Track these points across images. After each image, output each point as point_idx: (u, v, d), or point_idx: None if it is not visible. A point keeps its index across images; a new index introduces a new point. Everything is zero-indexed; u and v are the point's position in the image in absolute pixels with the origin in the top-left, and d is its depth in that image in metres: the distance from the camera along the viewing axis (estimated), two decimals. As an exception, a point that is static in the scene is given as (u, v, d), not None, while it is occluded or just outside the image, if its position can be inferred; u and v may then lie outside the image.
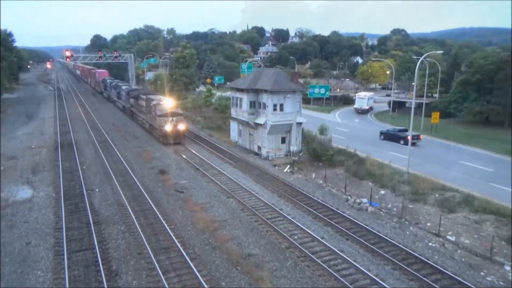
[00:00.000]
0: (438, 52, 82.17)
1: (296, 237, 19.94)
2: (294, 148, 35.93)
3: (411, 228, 21.94)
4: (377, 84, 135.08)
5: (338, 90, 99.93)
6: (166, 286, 15.42)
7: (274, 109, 34.46)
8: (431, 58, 74.01)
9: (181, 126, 39.18)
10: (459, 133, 50.93)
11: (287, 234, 20.17)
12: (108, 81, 77.33)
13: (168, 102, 40.08)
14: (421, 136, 42.16)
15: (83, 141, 41.13)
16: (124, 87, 61.96)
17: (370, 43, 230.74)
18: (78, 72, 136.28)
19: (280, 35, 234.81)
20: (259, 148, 36.77)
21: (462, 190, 26.40)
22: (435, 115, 46.66)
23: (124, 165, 31.82)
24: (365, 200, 25.85)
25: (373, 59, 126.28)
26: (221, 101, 56.79)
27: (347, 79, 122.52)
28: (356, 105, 71.54)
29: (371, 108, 72.41)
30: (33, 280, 16.02)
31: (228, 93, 50.71)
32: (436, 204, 24.55)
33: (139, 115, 49.73)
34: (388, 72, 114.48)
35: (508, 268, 17.84)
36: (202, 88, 77.90)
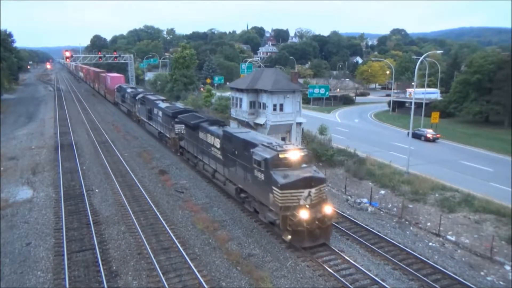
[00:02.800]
0: (438, 52, 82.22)
1: (296, 237, 19.85)
2: (294, 148, 35.85)
3: (411, 228, 21.96)
4: (377, 84, 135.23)
5: (338, 90, 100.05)
6: (166, 286, 15.42)
7: (274, 109, 34.47)
8: (431, 58, 74.08)
9: (328, 209, 18.38)
10: (459, 132, 50.99)
11: (287, 234, 20.07)
12: (128, 90, 56.45)
13: (294, 154, 19.01)
14: None
15: (83, 141, 41.11)
16: (162, 105, 38.64)
17: (369, 43, 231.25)
18: (81, 74, 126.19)
19: (280, 35, 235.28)
20: (259, 148, 36.60)
21: (462, 190, 26.41)
22: (435, 115, 46.74)
23: (124, 166, 31.81)
24: (365, 200, 25.87)
25: (373, 59, 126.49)
26: (221, 101, 56.80)
27: (347, 79, 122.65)
28: None
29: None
30: (33, 280, 16.02)
31: (228, 93, 50.69)
32: (436, 204, 24.55)
33: (203, 159, 28.20)
34: (388, 72, 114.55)
35: (508, 268, 17.85)
36: (201, 88, 77.92)
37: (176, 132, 32.82)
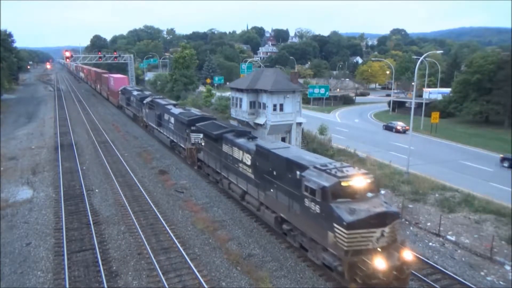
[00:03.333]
0: (438, 52, 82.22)
1: (296, 237, 19.83)
2: (294, 148, 35.81)
3: (411, 228, 21.94)
4: (377, 84, 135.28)
5: (338, 90, 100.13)
6: (166, 286, 15.42)
7: (274, 109, 34.47)
8: (431, 58, 74.06)
9: (407, 254, 14.27)
10: (459, 132, 50.98)
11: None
12: (134, 93, 51.54)
13: (359, 181, 15.01)
14: None
15: (83, 141, 41.10)
16: (175, 110, 35.32)
17: (369, 43, 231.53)
18: (82, 74, 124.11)
19: (280, 35, 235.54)
20: (259, 148, 36.48)
21: (462, 190, 26.42)
22: (435, 115, 46.77)
23: (124, 166, 31.80)
24: (365, 200, 25.77)
25: (373, 59, 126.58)
26: (221, 101, 56.83)
27: (347, 79, 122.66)
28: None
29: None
30: (33, 280, 16.01)
31: (228, 93, 50.68)
32: (436, 204, 24.56)
33: (229, 177, 24.11)
34: (388, 72, 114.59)
35: (508, 268, 17.84)
36: (202, 88, 77.97)
37: (193, 142, 29.75)
